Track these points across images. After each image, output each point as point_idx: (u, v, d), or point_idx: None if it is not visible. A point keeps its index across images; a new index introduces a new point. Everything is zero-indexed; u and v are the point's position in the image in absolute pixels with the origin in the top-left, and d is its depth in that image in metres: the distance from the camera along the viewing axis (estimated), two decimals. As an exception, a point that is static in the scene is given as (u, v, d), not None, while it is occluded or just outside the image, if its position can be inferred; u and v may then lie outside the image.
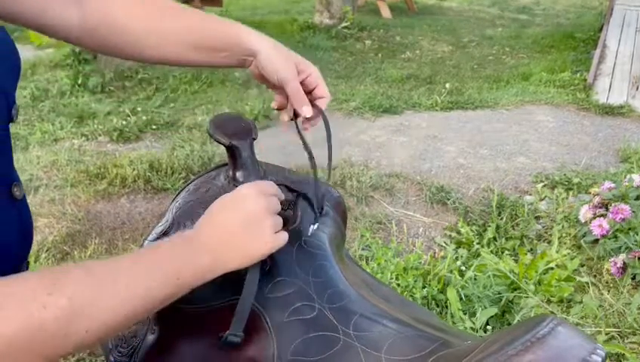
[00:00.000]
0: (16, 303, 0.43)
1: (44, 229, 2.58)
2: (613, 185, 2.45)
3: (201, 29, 0.78)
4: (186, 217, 0.75)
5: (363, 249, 2.37)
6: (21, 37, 6.57)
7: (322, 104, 0.83)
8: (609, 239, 2.21)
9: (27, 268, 0.64)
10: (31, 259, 2.29)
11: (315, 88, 0.82)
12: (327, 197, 0.85)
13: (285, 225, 0.78)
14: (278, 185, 0.80)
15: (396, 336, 0.63)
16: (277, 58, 0.77)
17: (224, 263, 0.61)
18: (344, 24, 7.29)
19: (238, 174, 0.78)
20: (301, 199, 0.80)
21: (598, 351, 0.46)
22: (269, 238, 0.64)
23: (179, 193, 0.80)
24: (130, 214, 2.76)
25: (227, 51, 0.78)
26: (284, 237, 0.66)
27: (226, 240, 0.61)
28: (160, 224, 0.76)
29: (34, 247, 2.41)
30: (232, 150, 0.77)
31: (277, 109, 0.85)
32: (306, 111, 0.80)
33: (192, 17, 0.79)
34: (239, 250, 0.62)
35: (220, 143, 0.78)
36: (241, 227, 0.62)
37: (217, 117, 0.81)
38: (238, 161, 0.77)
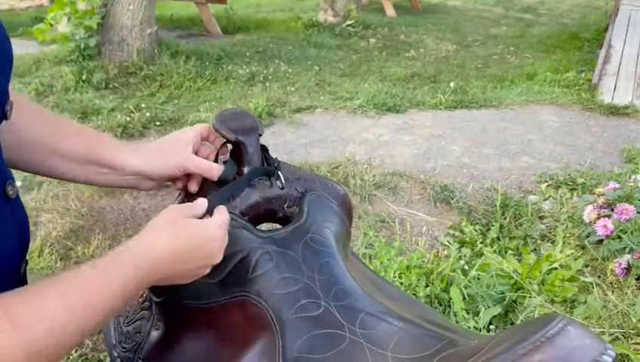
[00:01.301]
0: None
1: (48, 225, 2.58)
2: (617, 185, 2.44)
3: (76, 143, 0.74)
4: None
5: (366, 247, 2.37)
6: (25, 32, 6.59)
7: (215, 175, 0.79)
8: (613, 239, 2.20)
9: (26, 267, 0.63)
10: (34, 255, 2.30)
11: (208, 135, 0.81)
12: (332, 195, 0.84)
13: (290, 222, 0.77)
14: (285, 181, 0.80)
15: (402, 335, 0.63)
16: (161, 161, 0.76)
17: (165, 281, 0.63)
18: (348, 22, 7.28)
19: (244, 170, 0.77)
20: (307, 195, 0.79)
21: (609, 351, 0.46)
22: (200, 273, 0.67)
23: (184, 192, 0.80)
24: (133, 210, 2.76)
25: (107, 168, 0.76)
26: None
27: (180, 274, 0.63)
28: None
29: (37, 242, 2.41)
30: (237, 146, 0.77)
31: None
32: (215, 172, 0.77)
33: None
34: (184, 278, 0.65)
35: (225, 138, 0.77)
36: (199, 266, 0.65)
37: (223, 112, 0.80)
38: (244, 157, 0.77)
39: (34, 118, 0.71)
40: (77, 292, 0.51)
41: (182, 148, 0.77)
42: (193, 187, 0.79)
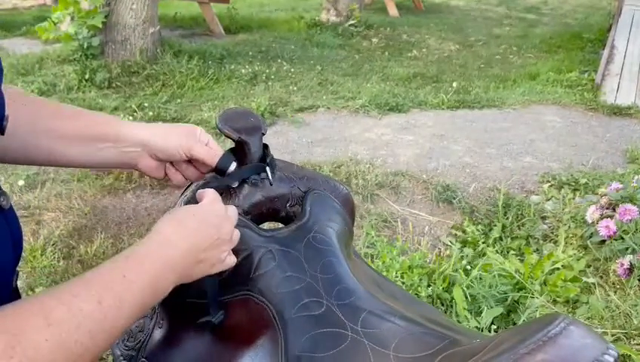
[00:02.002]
0: None
1: (51, 223, 2.59)
2: (620, 185, 2.44)
3: (75, 121, 0.74)
4: (194, 212, 0.75)
5: (368, 247, 2.37)
6: (28, 31, 6.60)
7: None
8: (616, 240, 2.19)
9: (17, 279, 0.63)
10: (37, 253, 2.31)
11: (207, 143, 0.81)
12: (335, 194, 0.84)
13: (293, 221, 0.78)
14: (288, 180, 0.80)
15: (404, 334, 0.63)
16: (167, 137, 0.77)
17: (183, 278, 0.62)
18: (351, 22, 7.28)
19: (247, 169, 0.78)
20: (310, 195, 0.79)
21: (611, 350, 0.46)
22: (223, 263, 0.67)
23: (187, 187, 0.80)
24: (136, 209, 2.77)
25: (108, 142, 0.75)
26: (232, 262, 0.68)
27: (195, 262, 0.63)
28: (168, 218, 0.76)
29: (40, 241, 2.42)
30: (240, 145, 0.77)
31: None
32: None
33: (67, 111, 0.75)
34: (200, 269, 0.64)
35: (228, 138, 0.77)
36: (211, 248, 0.64)
37: (226, 111, 0.80)
38: (247, 156, 0.77)
39: (28, 105, 0.71)
40: (109, 290, 0.52)
41: (188, 133, 0.78)
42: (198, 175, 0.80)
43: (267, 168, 0.78)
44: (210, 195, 0.69)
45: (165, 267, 0.58)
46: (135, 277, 0.54)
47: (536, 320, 0.52)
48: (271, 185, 0.78)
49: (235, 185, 0.77)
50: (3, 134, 0.57)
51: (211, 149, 0.78)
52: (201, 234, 0.63)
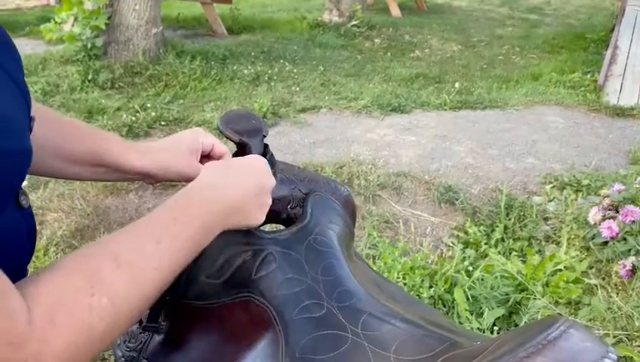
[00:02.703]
0: (65, 313, 0.45)
1: (54, 223, 2.60)
2: (623, 187, 2.43)
3: (80, 144, 0.76)
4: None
5: (370, 247, 2.37)
6: (33, 32, 6.61)
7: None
8: (618, 241, 2.19)
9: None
10: (40, 253, 2.31)
11: (212, 149, 0.83)
12: (336, 196, 0.84)
13: (294, 223, 0.78)
14: (289, 182, 0.80)
15: (405, 336, 0.63)
16: (168, 166, 0.79)
17: (228, 222, 0.64)
18: (353, 22, 7.29)
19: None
20: (311, 197, 0.80)
21: (611, 354, 0.46)
22: (262, 215, 0.69)
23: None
24: (138, 210, 2.78)
25: (110, 169, 0.77)
26: (262, 219, 0.70)
27: (239, 204, 0.65)
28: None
29: (43, 241, 2.42)
30: (242, 147, 0.77)
31: None
32: None
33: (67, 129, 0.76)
34: (243, 215, 0.65)
35: (230, 140, 0.78)
36: (253, 196, 0.66)
37: (227, 113, 0.81)
38: (249, 158, 0.77)
39: (40, 123, 0.72)
40: (165, 231, 0.56)
41: (181, 157, 0.79)
42: None
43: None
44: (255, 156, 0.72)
45: (213, 208, 0.61)
46: (186, 219, 0.58)
47: (536, 322, 0.52)
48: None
49: None
50: (30, 132, 0.59)
51: (215, 154, 0.80)
52: (245, 182, 0.66)
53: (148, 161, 0.78)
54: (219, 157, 0.82)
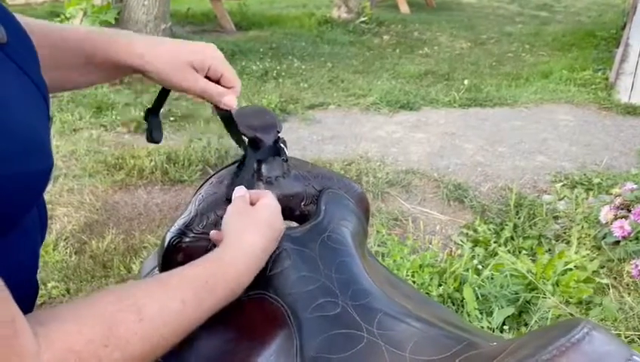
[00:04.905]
0: (74, 360, 0.45)
1: (63, 218, 2.61)
2: (635, 186, 2.41)
3: (64, 45, 0.72)
4: (209, 209, 0.75)
5: (379, 245, 2.36)
6: (41, 27, 6.62)
7: (232, 98, 0.77)
8: (630, 241, 2.17)
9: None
10: (49, 248, 2.32)
11: (220, 77, 0.76)
12: (349, 193, 0.84)
13: (308, 221, 0.77)
14: (302, 179, 0.79)
15: (421, 336, 0.62)
16: (168, 71, 0.73)
17: (242, 285, 0.65)
18: (362, 19, 7.26)
19: (263, 168, 0.77)
20: (325, 193, 0.79)
21: (635, 357, 0.45)
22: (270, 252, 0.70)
23: (202, 185, 0.80)
24: (147, 205, 2.78)
25: (105, 66, 0.73)
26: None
27: (250, 263, 0.65)
28: (182, 216, 0.76)
29: (52, 236, 2.43)
30: (256, 143, 0.77)
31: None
32: (229, 102, 0.76)
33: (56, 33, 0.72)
34: (256, 270, 0.67)
35: (244, 135, 0.77)
36: (263, 252, 0.67)
37: (241, 109, 0.80)
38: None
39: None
40: (192, 292, 0.57)
41: (177, 69, 0.73)
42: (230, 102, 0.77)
43: (281, 145, 0.79)
44: (269, 197, 0.72)
45: (247, 272, 0.64)
46: (217, 284, 0.60)
47: (557, 324, 0.51)
48: (284, 175, 0.78)
49: (252, 172, 0.78)
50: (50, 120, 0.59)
51: (212, 87, 0.74)
52: (272, 236, 0.68)
53: (145, 53, 0.72)
54: (227, 87, 0.77)
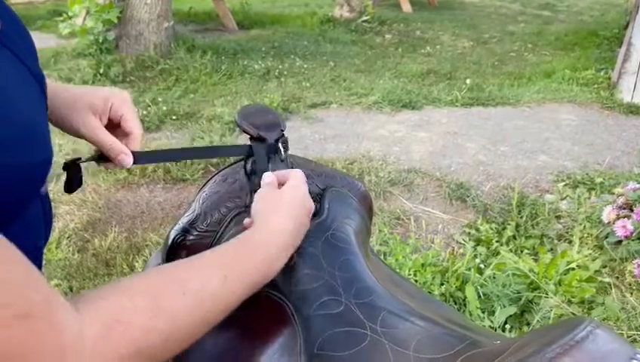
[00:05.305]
0: (122, 331, 0.44)
1: (66, 216, 2.61)
2: (637, 185, 2.40)
3: None
4: (213, 208, 0.75)
5: (381, 244, 2.36)
6: (45, 25, 6.64)
7: (126, 159, 0.72)
8: (633, 240, 2.17)
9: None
10: (52, 246, 2.33)
11: (121, 118, 0.73)
12: (352, 191, 0.84)
13: (312, 218, 0.77)
14: (305, 177, 0.79)
15: (424, 334, 0.62)
16: (67, 114, 0.70)
17: (275, 266, 0.64)
18: (364, 18, 7.25)
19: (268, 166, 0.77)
20: (328, 192, 0.79)
21: (639, 355, 0.45)
22: (304, 233, 0.70)
23: (206, 183, 0.80)
24: (149, 203, 2.78)
25: None
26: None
27: (280, 245, 0.65)
28: (187, 214, 0.76)
29: (55, 234, 2.44)
30: (260, 141, 0.77)
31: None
32: (122, 161, 0.72)
33: None
34: (288, 250, 0.66)
35: (247, 134, 0.77)
36: (293, 232, 0.67)
37: (245, 108, 0.80)
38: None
39: None
40: (231, 268, 0.57)
41: (77, 114, 0.71)
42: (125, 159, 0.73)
43: (280, 145, 0.79)
44: (296, 177, 0.72)
45: (278, 250, 0.64)
46: (251, 262, 0.60)
47: (560, 323, 0.51)
48: (282, 161, 0.79)
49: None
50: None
51: (107, 138, 0.71)
52: (301, 216, 0.68)
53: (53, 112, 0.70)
54: (125, 134, 0.74)
